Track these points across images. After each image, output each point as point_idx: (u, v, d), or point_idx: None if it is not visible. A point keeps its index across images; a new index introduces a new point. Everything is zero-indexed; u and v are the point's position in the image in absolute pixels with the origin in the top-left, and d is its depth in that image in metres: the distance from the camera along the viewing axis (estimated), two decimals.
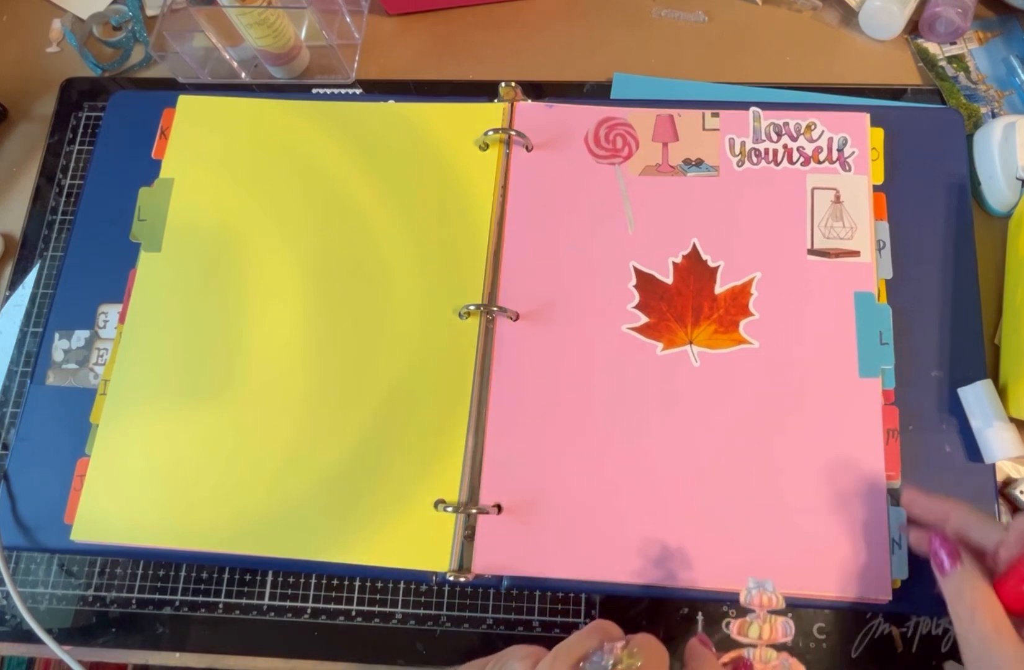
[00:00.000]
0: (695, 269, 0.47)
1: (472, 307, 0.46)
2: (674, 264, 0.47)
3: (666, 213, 0.48)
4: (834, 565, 0.41)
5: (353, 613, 0.44)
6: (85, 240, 0.51)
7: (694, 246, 0.47)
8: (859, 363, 0.44)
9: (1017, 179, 0.48)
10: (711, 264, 0.47)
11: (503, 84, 0.51)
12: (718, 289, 0.46)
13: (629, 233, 0.48)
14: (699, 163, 0.49)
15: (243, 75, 0.57)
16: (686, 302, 0.46)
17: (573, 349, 0.46)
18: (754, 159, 0.49)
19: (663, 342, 0.45)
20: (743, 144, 0.49)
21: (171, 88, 0.56)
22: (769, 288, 0.46)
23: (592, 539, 0.42)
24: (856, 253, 0.46)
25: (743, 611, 0.36)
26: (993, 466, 0.43)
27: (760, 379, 0.44)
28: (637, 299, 0.46)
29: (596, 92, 0.54)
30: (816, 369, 0.44)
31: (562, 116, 0.51)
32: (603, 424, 0.44)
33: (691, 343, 0.45)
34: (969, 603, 0.33)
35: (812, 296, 0.46)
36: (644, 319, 0.46)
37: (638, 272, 0.47)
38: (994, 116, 0.52)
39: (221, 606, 0.45)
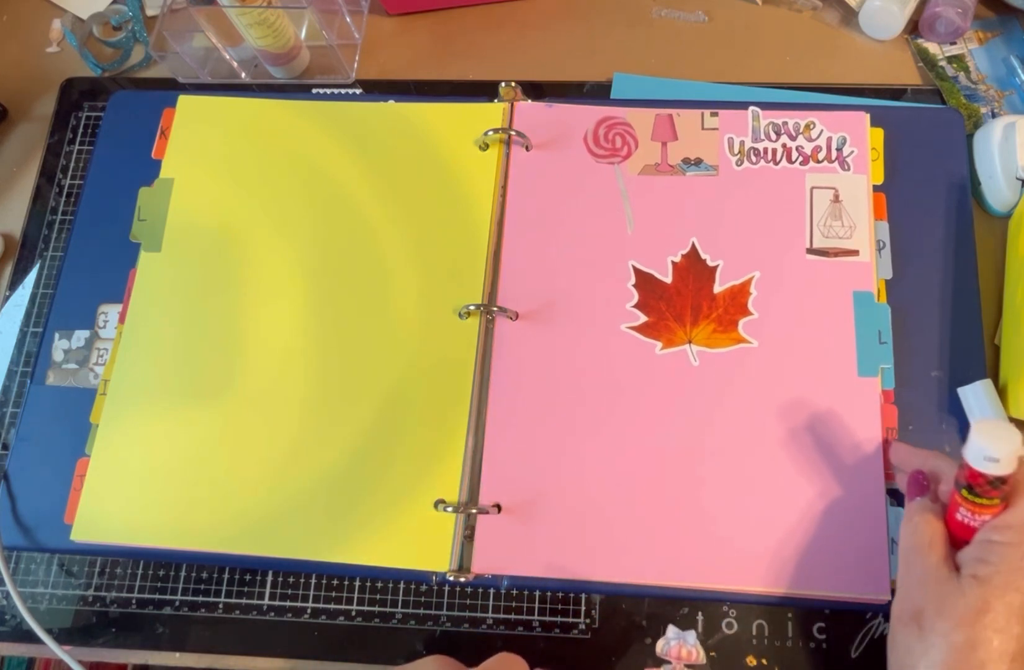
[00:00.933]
0: (694, 268, 0.47)
1: (472, 307, 0.46)
2: (673, 263, 0.47)
3: (665, 212, 0.48)
4: (833, 564, 0.41)
5: (353, 613, 0.44)
6: (85, 240, 0.51)
7: (693, 245, 0.47)
8: (858, 362, 0.44)
9: (1017, 179, 0.48)
10: (710, 263, 0.47)
11: (503, 84, 0.51)
12: (717, 288, 0.46)
13: (628, 232, 0.48)
14: (698, 162, 0.49)
15: (243, 75, 0.57)
16: (685, 301, 0.46)
17: (573, 348, 0.46)
18: (753, 158, 0.49)
19: (662, 341, 0.45)
20: (742, 143, 0.49)
21: (171, 88, 0.56)
22: (768, 287, 0.46)
23: (592, 539, 0.42)
24: (855, 252, 0.46)
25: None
26: None
27: (759, 378, 0.44)
28: (636, 298, 0.46)
29: (596, 92, 0.54)
30: (815, 368, 0.44)
31: (561, 116, 0.51)
32: (602, 423, 0.44)
33: (690, 342, 0.45)
34: (915, 521, 0.36)
35: (811, 295, 0.46)
36: (643, 318, 0.46)
37: (637, 271, 0.47)
38: (994, 116, 0.52)
39: (221, 606, 0.45)
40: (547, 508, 0.43)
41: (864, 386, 0.44)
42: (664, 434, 0.44)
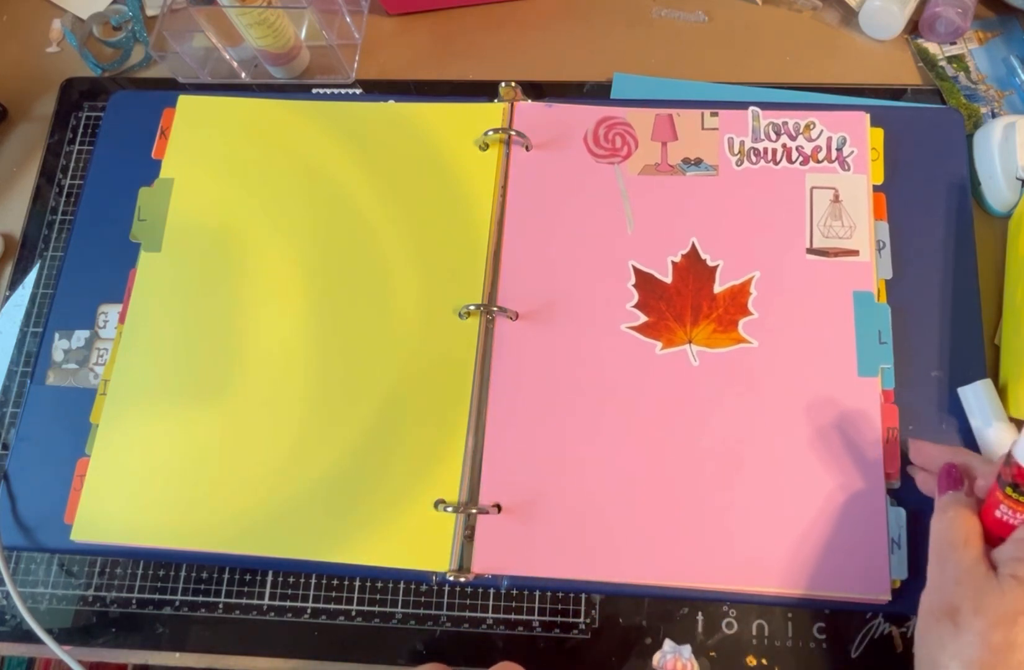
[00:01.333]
0: (694, 268, 0.47)
1: (472, 307, 0.46)
2: (673, 263, 0.47)
3: (665, 212, 0.48)
4: (833, 565, 0.41)
5: (353, 613, 0.44)
6: (85, 240, 0.51)
7: (693, 245, 0.47)
8: (858, 362, 0.44)
9: (1017, 179, 0.47)
10: (710, 263, 0.47)
11: (503, 84, 0.51)
12: (717, 288, 0.46)
13: (628, 232, 0.48)
14: (698, 162, 0.49)
15: (243, 75, 0.57)
16: (685, 301, 0.46)
17: (573, 348, 0.46)
18: (753, 158, 0.49)
19: (662, 341, 0.45)
20: (742, 143, 0.49)
21: (171, 88, 0.56)
22: (768, 287, 0.46)
23: (592, 539, 0.42)
24: (855, 252, 0.46)
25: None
26: None
27: (759, 378, 0.44)
28: (636, 298, 0.46)
29: (596, 92, 0.54)
30: (815, 368, 0.44)
31: (561, 116, 0.51)
32: (602, 423, 0.44)
33: (690, 342, 0.45)
34: (950, 516, 0.35)
35: (811, 295, 0.46)
36: (643, 318, 0.46)
37: (637, 271, 0.47)
38: (994, 116, 0.52)
39: (221, 606, 0.45)
40: (547, 508, 0.43)
41: (864, 386, 0.44)
42: (663, 434, 0.44)
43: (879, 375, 0.44)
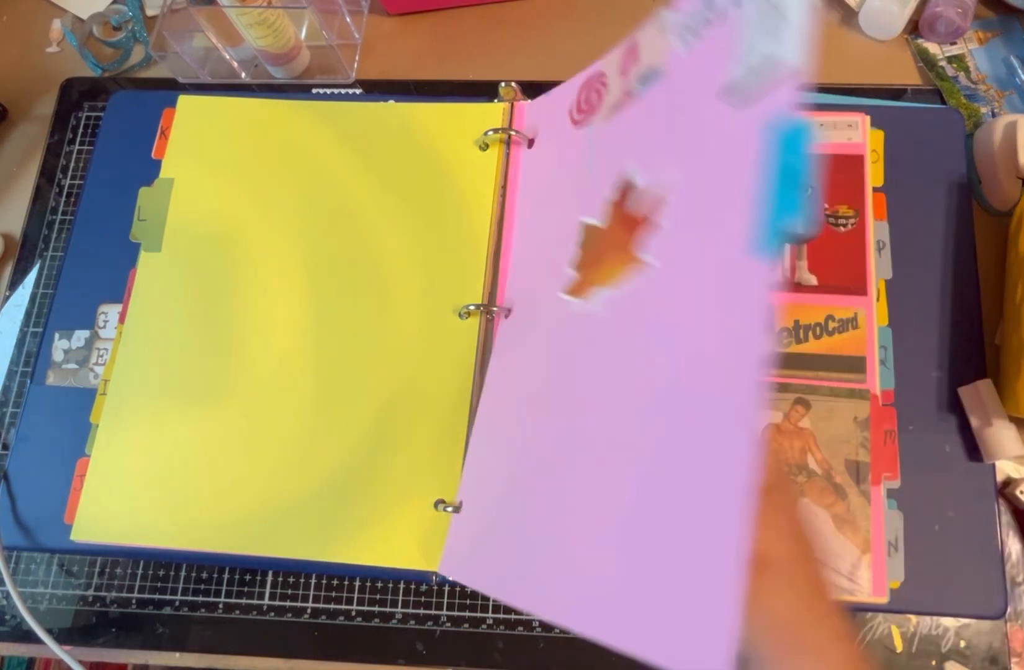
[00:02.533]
0: (625, 205, 0.37)
1: (472, 307, 0.46)
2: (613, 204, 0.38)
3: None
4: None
5: (353, 613, 0.44)
6: (85, 240, 0.51)
7: (630, 180, 0.37)
8: (755, 233, 0.28)
9: (1017, 178, 0.48)
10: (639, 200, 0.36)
11: (503, 84, 0.51)
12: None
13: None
14: (650, 74, 0.38)
15: (243, 75, 0.57)
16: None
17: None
18: None
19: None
20: None
21: (171, 88, 0.56)
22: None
23: (542, 563, 0.35)
24: None
25: None
26: (993, 466, 0.43)
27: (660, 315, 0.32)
28: None
29: None
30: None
31: (557, 99, 0.48)
32: (581, 429, 0.37)
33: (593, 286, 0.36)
34: None
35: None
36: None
37: None
38: (994, 116, 0.52)
39: (221, 606, 0.45)
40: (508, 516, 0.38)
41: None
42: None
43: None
